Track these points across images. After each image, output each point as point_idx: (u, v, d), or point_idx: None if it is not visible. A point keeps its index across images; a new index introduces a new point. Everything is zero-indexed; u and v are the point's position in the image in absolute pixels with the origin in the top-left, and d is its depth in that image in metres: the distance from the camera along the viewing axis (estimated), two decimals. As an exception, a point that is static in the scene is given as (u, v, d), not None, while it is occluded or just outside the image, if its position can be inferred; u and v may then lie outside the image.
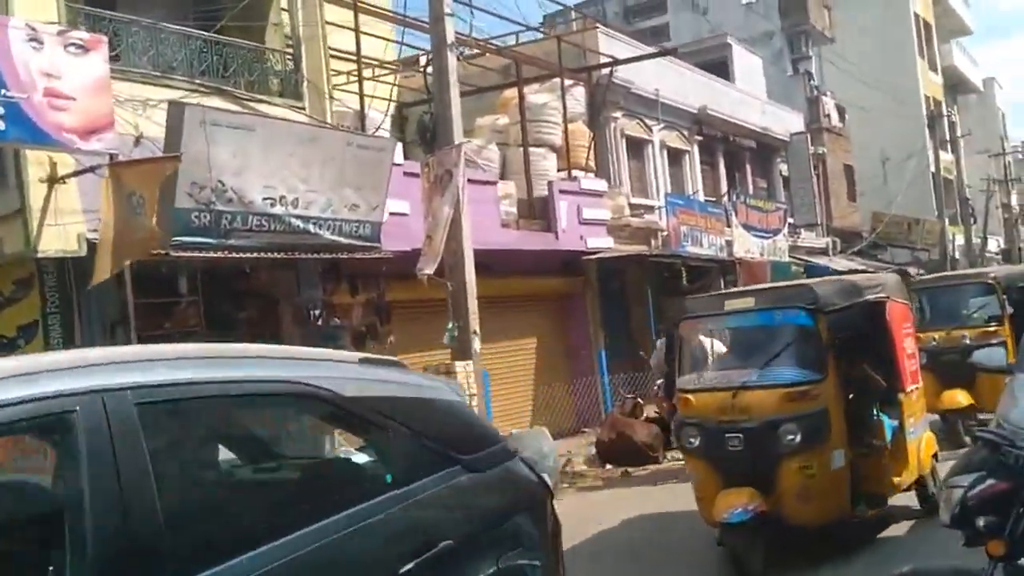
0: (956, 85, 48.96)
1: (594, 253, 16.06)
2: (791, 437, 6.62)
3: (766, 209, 20.82)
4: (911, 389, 7.62)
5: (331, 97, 11.95)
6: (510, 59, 16.99)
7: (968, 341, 11.26)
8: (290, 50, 11.54)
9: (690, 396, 7.24)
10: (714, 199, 21.02)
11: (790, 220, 25.04)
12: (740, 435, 6.72)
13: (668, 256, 16.55)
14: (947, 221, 36.62)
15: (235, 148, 9.11)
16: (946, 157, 39.85)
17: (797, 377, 6.90)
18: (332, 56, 12.73)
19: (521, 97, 16.28)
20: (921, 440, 7.79)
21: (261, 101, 10.86)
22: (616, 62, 18.42)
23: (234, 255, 9.34)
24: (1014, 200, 56.60)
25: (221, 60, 10.55)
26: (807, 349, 7.02)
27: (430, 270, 10.73)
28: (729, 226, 19.53)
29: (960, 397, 11.20)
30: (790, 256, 23.21)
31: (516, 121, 16.37)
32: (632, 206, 18.90)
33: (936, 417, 10.64)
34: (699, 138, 22.19)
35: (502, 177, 16.18)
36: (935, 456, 8.08)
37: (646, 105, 20.01)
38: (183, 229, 8.81)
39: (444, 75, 11.43)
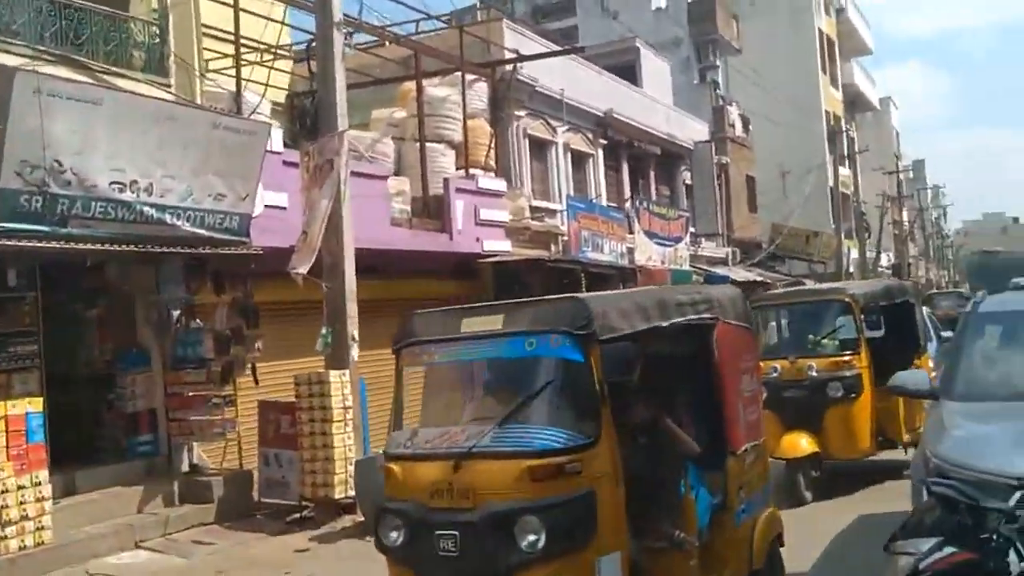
0: (855, 103, 50.18)
1: (490, 256, 15.28)
2: (531, 539, 4.30)
3: (669, 217, 20.44)
4: (747, 448, 5.59)
5: (203, 76, 10.84)
6: (409, 49, 16.09)
7: (815, 373, 9.76)
8: (156, 20, 10.38)
9: (394, 467, 4.82)
10: (617, 205, 20.50)
11: (692, 229, 24.80)
12: (456, 534, 4.41)
13: (568, 262, 15.88)
14: (843, 235, 37.28)
15: (76, 123, 7.98)
16: (844, 172, 40.68)
17: (551, 441, 4.50)
18: (212, 36, 11.68)
19: (420, 90, 15.40)
20: (757, 522, 5.58)
21: (118, 75, 9.70)
22: (521, 58, 17.70)
23: (73, 246, 8.19)
24: (905, 216, 58.50)
25: (72, 25, 9.35)
26: (570, 396, 4.67)
27: (304, 269, 9.77)
28: (631, 232, 19.04)
29: (804, 442, 9.55)
30: (691, 265, 22.94)
31: (414, 115, 15.48)
32: (533, 209, 18.22)
33: (782, 463, 9.36)
34: (604, 142, 21.68)
35: (397, 173, 15.26)
36: (778, 541, 5.86)
37: (551, 105, 19.36)
38: (8, 214, 7.65)
39: (329, 57, 10.49)
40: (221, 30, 11.71)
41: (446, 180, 14.94)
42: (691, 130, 26.91)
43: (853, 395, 9.73)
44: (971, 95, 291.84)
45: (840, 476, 10.24)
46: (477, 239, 15.19)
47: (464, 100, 16.04)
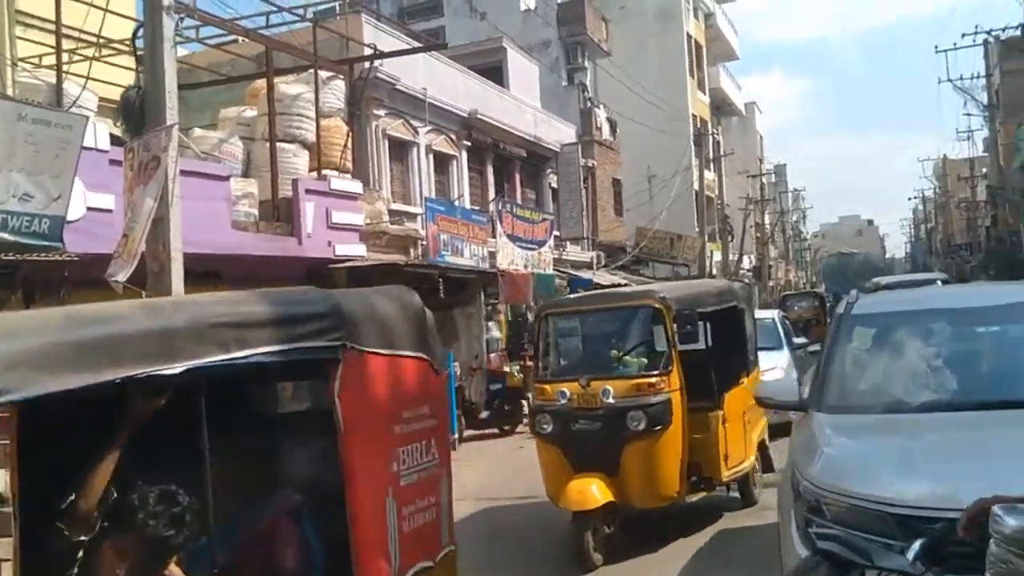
0: (721, 107, 51.56)
1: (344, 261, 14.73)
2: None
3: (533, 220, 20.32)
4: None
5: (14, 65, 9.92)
6: (260, 44, 15.37)
7: (612, 400, 7.58)
8: (-42, 3, 9.42)
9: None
10: (480, 208, 20.24)
11: (556, 233, 24.80)
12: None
13: (425, 266, 15.50)
14: (707, 237, 38.18)
15: None
16: (709, 176, 41.67)
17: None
18: (34, 26, 10.74)
19: (270, 86, 14.71)
20: None
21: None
22: (380, 55, 17.15)
23: None
24: (767, 220, 60.58)
25: None
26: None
27: (123, 276, 8.97)
28: (494, 236, 18.81)
29: (595, 490, 7.44)
30: (555, 269, 22.91)
31: (265, 113, 14.78)
32: (392, 212, 17.76)
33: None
34: (468, 144, 21.38)
35: (246, 174, 14.56)
36: None
37: (412, 105, 18.92)
38: None
39: (158, 44, 9.69)
40: (41, 18, 10.80)
41: (295, 181, 14.31)
42: (558, 132, 26.94)
43: (659, 427, 7.59)
44: (830, 102, 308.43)
45: (643, 527, 8.18)
46: (329, 243, 14.61)
47: (317, 98, 15.43)
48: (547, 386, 7.99)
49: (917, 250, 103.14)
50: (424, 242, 16.89)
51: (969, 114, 49.45)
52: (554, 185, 26.66)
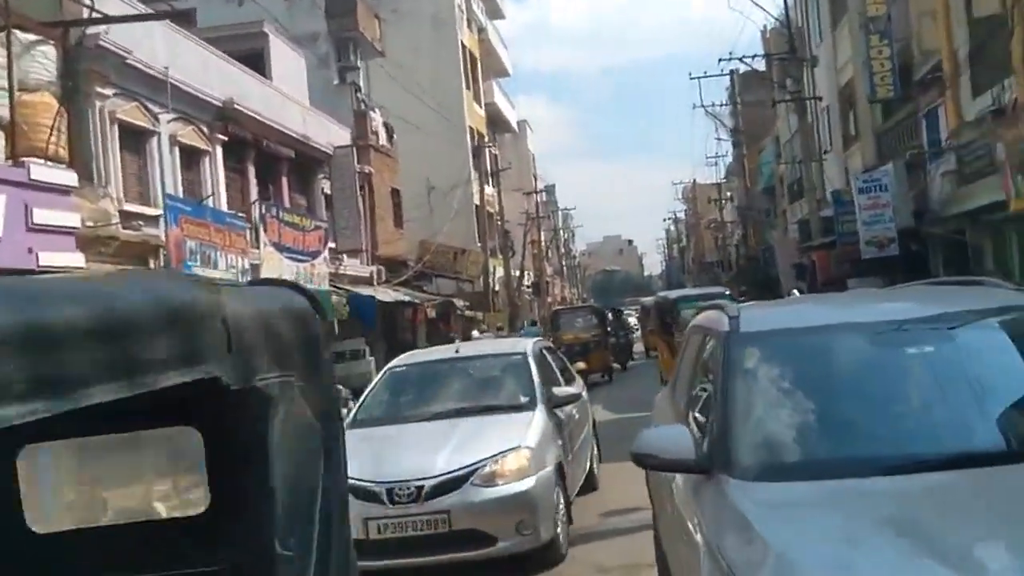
0: (495, 122, 50.39)
1: (50, 272, 11.12)
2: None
3: (304, 227, 17.25)
4: None
5: None
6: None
7: None
8: None
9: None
10: (238, 212, 16.87)
11: (331, 244, 21.84)
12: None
13: (163, 281, 12.15)
14: (489, 253, 36.47)
15: None
16: (488, 190, 40.14)
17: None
18: None
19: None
20: None
21: None
22: (104, 19, 13.60)
23: None
24: (543, 237, 60.31)
25: None
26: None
27: None
28: (257, 246, 15.60)
29: None
30: (331, 285, 19.96)
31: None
32: (125, 215, 14.21)
33: None
34: (224, 138, 18.02)
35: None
36: None
37: (151, 86, 15.42)
38: None
39: None
40: None
41: (-23, 167, 10.61)
42: (330, 134, 24.03)
43: None
44: (589, 129, 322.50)
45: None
46: (30, 250, 10.98)
47: (10, 65, 11.74)
48: None
49: (672, 268, 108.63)
50: (167, 251, 13.44)
51: (719, 139, 51.57)
52: (327, 191, 23.67)
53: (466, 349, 10.14)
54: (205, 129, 17.46)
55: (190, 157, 17.04)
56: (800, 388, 3.87)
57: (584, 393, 9.85)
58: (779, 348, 4.03)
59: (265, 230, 15.08)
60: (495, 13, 52.21)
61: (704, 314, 5.22)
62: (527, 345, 9.03)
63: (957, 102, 15.45)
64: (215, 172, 17.75)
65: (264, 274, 14.82)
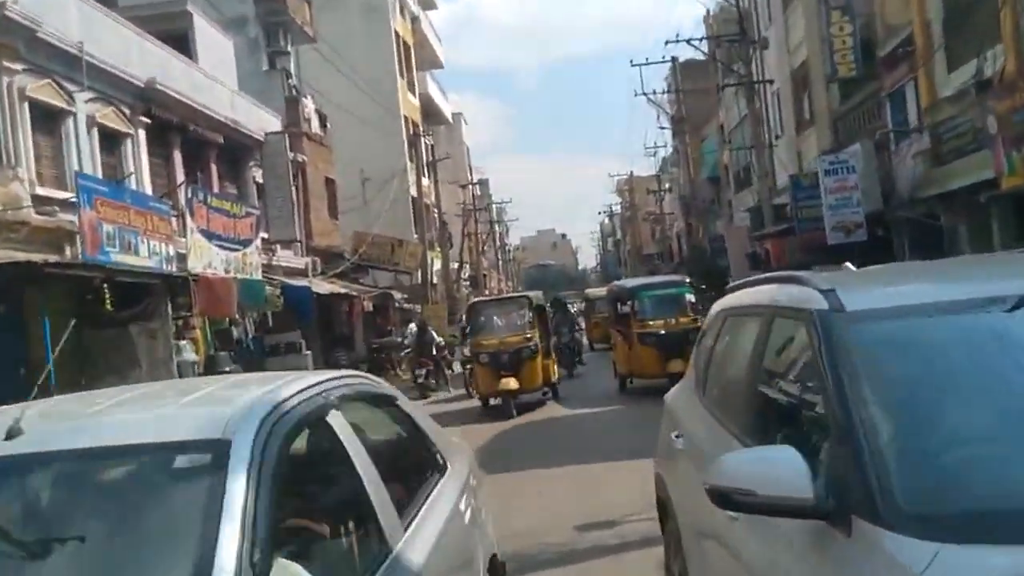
0: (429, 114, 49.55)
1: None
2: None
3: (234, 214, 16.30)
4: None
5: None
6: None
7: None
8: None
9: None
10: (165, 196, 15.81)
11: (264, 235, 20.88)
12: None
13: (79, 266, 11.17)
14: (427, 245, 35.71)
15: None
16: (424, 182, 39.34)
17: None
18: None
19: None
20: None
21: None
22: (10, -13, 12.59)
23: None
24: (479, 230, 59.69)
25: None
26: None
27: None
28: (184, 235, 14.65)
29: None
30: (264, 276, 19.05)
31: None
32: (38, 199, 13.18)
33: None
34: (147, 120, 16.98)
35: None
36: None
37: (65, 62, 14.38)
38: None
39: None
40: None
41: None
42: (262, 120, 23.05)
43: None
44: (521, 125, 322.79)
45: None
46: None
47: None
48: None
49: (608, 260, 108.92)
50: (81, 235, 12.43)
51: (662, 127, 51.45)
52: (259, 180, 22.69)
53: (45, 425, 2.79)
54: (126, 111, 16.42)
55: (110, 140, 15.99)
56: (962, 390, 2.57)
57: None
58: (912, 333, 2.71)
59: (192, 216, 14.12)
60: (428, 4, 51.33)
61: (756, 289, 3.83)
62: (247, 423, 2.42)
63: (931, 78, 14.88)
64: (138, 156, 16.71)
65: (192, 263, 13.90)
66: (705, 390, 4.22)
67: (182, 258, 14.11)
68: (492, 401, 16.21)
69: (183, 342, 13.21)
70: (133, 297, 12.21)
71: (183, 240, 14.16)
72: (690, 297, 17.34)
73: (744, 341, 3.71)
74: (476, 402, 17.24)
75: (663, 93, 42.67)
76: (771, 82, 25.24)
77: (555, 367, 17.70)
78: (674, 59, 38.45)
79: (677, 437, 4.25)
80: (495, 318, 17.12)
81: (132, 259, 12.23)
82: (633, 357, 16.68)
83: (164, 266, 13.16)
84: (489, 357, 15.64)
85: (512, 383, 15.36)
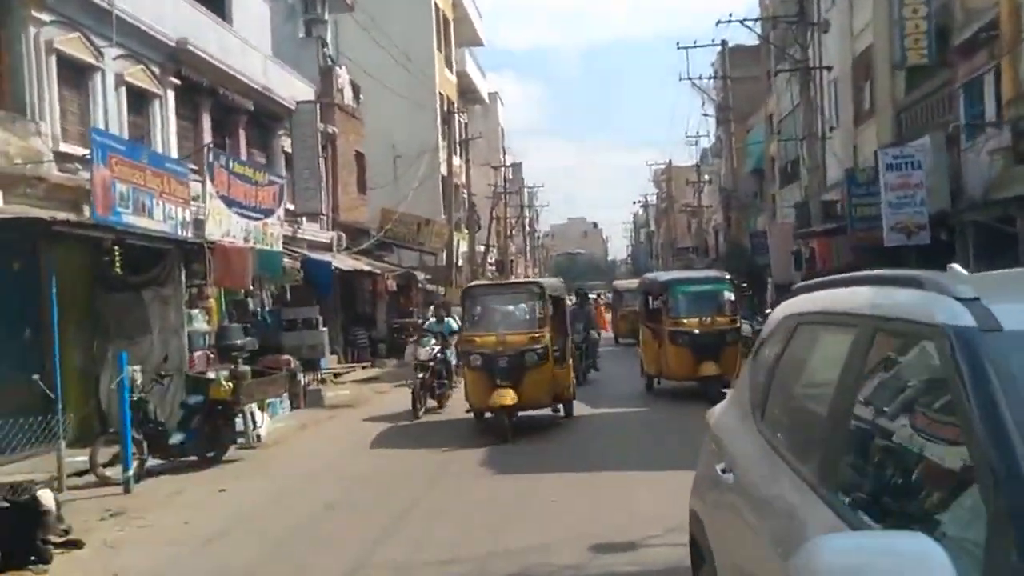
0: (466, 93, 49.01)
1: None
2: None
3: (257, 181, 15.95)
4: None
5: None
6: None
7: None
8: None
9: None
10: (182, 158, 15.36)
11: (290, 206, 20.57)
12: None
13: (89, 226, 10.83)
14: (454, 226, 35.32)
15: None
16: (456, 161, 38.88)
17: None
18: None
19: None
20: None
21: None
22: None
23: None
24: (509, 214, 59.17)
25: None
26: None
27: None
28: (202, 199, 14.29)
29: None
30: (287, 248, 18.74)
31: None
32: (61, 156, 12.89)
33: None
34: (176, 81, 16.67)
35: None
36: None
37: (95, 16, 14.06)
38: None
39: None
40: None
41: None
42: (293, 88, 22.67)
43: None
44: (557, 109, 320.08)
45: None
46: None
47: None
48: None
49: (639, 252, 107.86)
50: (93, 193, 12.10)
51: (706, 114, 50.23)
52: (288, 149, 22.35)
53: None
54: (156, 70, 16.10)
55: (138, 100, 15.68)
56: None
57: None
58: None
59: (212, 181, 13.77)
60: (470, -21, 50.72)
61: (845, 292, 2.97)
62: None
63: (1016, 67, 13.62)
64: (166, 118, 16.40)
65: (210, 229, 13.58)
66: (764, 414, 3.42)
67: (200, 224, 13.79)
68: (488, 414, 12.70)
69: (195, 311, 12.90)
70: (148, 261, 11.89)
71: (201, 205, 13.82)
72: (729, 295, 15.95)
73: (826, 360, 2.94)
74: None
75: (709, 79, 41.36)
76: (829, 68, 23.55)
77: (572, 376, 14.08)
78: (724, 42, 37.29)
79: (725, 472, 3.44)
80: (494, 309, 13.52)
81: (145, 221, 11.91)
82: (663, 356, 15.60)
83: (179, 231, 12.83)
84: (482, 360, 12.17)
85: (508, 397, 11.79)
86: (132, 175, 11.77)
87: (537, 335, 12.52)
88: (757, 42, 35.06)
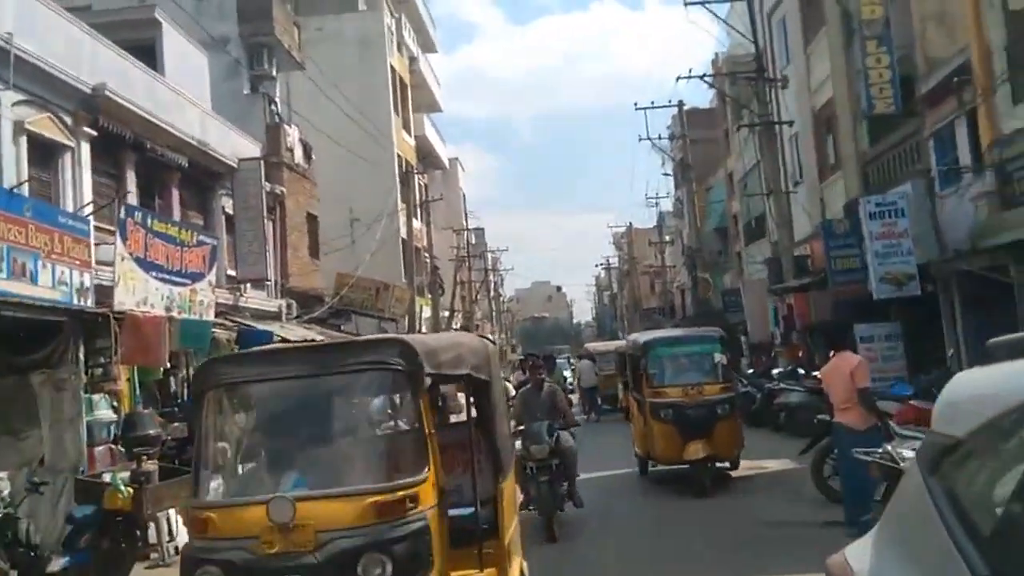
0: (426, 158, 47.56)
1: None
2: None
3: (184, 242, 13.81)
4: None
5: None
6: None
7: None
8: None
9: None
10: (90, 214, 13.18)
11: (231, 272, 18.49)
12: None
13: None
14: (415, 291, 33.36)
15: None
16: (416, 224, 37.14)
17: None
18: None
19: None
20: None
21: None
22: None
23: None
24: (473, 278, 57.45)
25: None
26: None
27: None
28: (112, 261, 12.09)
29: None
30: (226, 318, 16.61)
31: None
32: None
33: None
34: (92, 132, 14.67)
35: None
36: None
37: (-11, 54, 12.12)
38: None
39: None
40: None
41: None
42: (236, 146, 20.77)
43: None
44: (518, 179, 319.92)
45: None
46: None
47: None
48: None
49: (604, 315, 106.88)
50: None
51: (666, 173, 49.53)
52: (229, 210, 20.34)
53: None
54: (67, 119, 14.10)
55: (44, 153, 13.64)
56: None
57: None
58: None
59: (125, 240, 11.67)
60: (427, 47, 49.71)
61: None
62: None
63: (991, 111, 12.89)
64: (78, 175, 14.34)
65: (119, 297, 11.42)
66: None
67: (108, 291, 11.63)
68: None
69: (99, 396, 10.68)
70: (36, 338, 9.73)
71: (109, 268, 11.68)
72: (719, 357, 13.35)
73: None
74: None
75: (668, 139, 40.98)
76: (791, 123, 23.05)
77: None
78: (680, 103, 36.76)
79: None
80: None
81: (27, 288, 9.76)
82: (648, 435, 13.11)
83: (76, 299, 10.68)
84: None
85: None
86: (7, 231, 9.63)
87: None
88: (712, 104, 34.44)
